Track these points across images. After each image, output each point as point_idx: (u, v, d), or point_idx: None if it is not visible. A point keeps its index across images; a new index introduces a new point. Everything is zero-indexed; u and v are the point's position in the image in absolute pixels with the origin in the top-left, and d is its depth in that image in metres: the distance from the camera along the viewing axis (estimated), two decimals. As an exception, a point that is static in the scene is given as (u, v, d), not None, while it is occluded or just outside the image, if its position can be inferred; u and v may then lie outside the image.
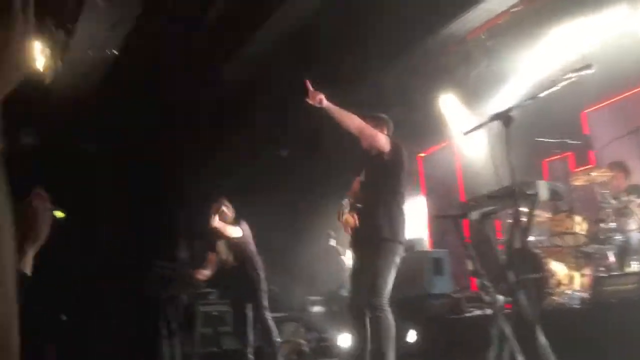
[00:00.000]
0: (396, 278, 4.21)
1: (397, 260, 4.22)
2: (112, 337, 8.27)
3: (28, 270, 2.63)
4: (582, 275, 5.36)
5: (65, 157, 9.34)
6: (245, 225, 6.19)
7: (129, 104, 8.75)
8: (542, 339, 3.04)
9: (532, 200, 3.62)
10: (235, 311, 6.46)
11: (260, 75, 8.03)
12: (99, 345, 8.05)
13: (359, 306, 4.25)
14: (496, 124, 3.50)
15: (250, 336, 6.13)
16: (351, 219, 4.33)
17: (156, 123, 9.25)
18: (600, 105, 6.75)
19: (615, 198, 5.56)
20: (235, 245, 6.14)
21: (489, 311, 4.27)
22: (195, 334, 7.45)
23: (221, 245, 6.22)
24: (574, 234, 5.42)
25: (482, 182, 6.44)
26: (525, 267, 3.68)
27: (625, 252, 5.34)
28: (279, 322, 6.61)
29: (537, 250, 5.51)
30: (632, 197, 5.48)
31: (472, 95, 7.68)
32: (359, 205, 4.42)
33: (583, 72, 3.31)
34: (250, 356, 6.10)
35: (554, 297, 5.18)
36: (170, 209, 9.76)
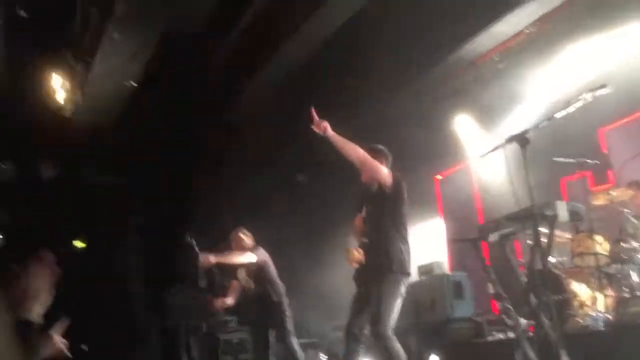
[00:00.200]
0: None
1: (403, 290, 4.20)
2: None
3: (37, 319, 2.83)
4: (606, 297, 5.26)
5: (84, 187, 9.46)
6: (261, 251, 6.17)
7: (147, 136, 8.88)
8: (568, 363, 3.00)
9: (552, 221, 3.59)
10: (256, 337, 6.42)
11: (278, 103, 8.12)
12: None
13: (355, 334, 4.23)
14: (513, 145, 3.50)
15: (272, 362, 6.09)
16: (357, 254, 4.32)
17: (174, 154, 9.36)
18: (618, 123, 6.69)
19: (636, 217, 5.48)
20: (254, 271, 6.13)
21: (512, 334, 4.21)
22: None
23: (241, 272, 6.22)
24: (596, 254, 5.33)
25: (501, 204, 6.38)
26: (547, 289, 3.63)
27: (648, 272, 5.24)
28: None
29: (558, 272, 5.43)
30: (653, 216, 5.41)
31: (486, 115, 7.67)
32: (364, 240, 4.40)
33: (598, 93, 3.31)
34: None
35: (577, 319, 5.09)
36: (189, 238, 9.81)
